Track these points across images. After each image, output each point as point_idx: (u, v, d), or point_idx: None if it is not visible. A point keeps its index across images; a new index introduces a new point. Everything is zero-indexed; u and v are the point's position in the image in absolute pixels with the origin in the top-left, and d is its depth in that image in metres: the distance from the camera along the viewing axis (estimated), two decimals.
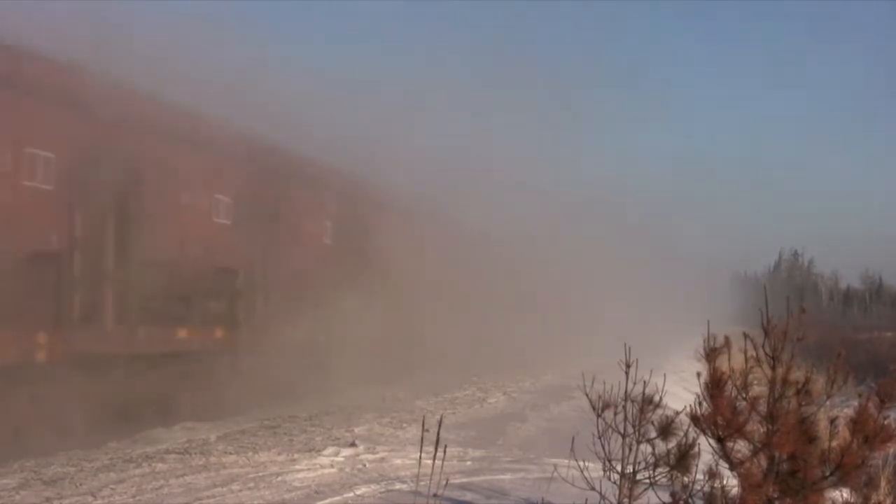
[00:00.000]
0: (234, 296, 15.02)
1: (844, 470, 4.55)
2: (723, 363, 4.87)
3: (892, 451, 5.57)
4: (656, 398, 5.19)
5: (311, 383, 15.19)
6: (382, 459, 9.71)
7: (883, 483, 5.81)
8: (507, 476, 8.77)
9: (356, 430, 12.27)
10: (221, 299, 14.59)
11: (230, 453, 10.14)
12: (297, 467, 9.18)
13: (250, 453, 10.11)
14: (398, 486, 8.08)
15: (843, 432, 4.69)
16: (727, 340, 4.94)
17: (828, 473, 4.60)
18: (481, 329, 23.12)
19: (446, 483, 5.57)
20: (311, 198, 17.62)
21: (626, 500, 5.17)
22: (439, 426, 5.19)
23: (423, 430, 5.41)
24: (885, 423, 4.58)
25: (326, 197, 18.40)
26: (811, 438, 4.69)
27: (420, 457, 5.52)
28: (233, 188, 14.75)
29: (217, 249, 14.25)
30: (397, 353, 19.08)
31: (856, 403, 4.67)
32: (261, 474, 8.78)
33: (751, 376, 4.89)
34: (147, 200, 12.48)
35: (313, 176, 17.67)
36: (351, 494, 7.81)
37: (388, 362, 18.50)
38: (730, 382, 4.81)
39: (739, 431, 4.70)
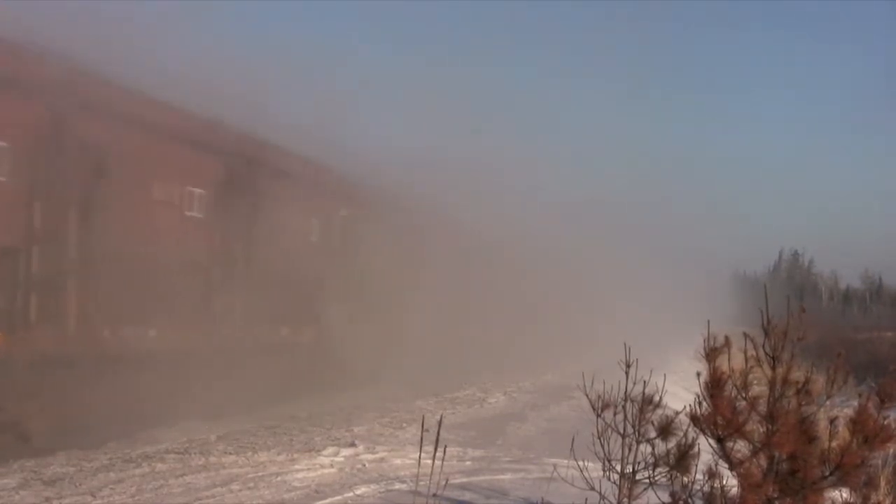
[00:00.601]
0: (24, 287, 10.78)
1: (844, 470, 4.55)
2: (723, 363, 4.86)
3: (891, 451, 5.57)
4: (656, 398, 5.19)
5: (153, 407, 11.62)
6: (382, 459, 9.72)
7: (882, 483, 5.81)
8: (507, 476, 8.77)
9: (356, 430, 12.28)
10: None
11: (230, 453, 10.14)
12: (297, 467, 9.18)
13: (250, 453, 10.11)
14: (398, 485, 8.08)
15: (843, 432, 4.68)
16: (727, 340, 4.93)
17: (827, 473, 4.59)
18: (482, 329, 23.09)
19: (446, 483, 5.57)
20: (165, 153, 12.80)
21: (625, 499, 5.17)
22: (439, 426, 5.19)
23: (423, 430, 5.41)
24: (885, 423, 4.57)
25: (201, 155, 13.61)
26: (811, 438, 4.69)
27: (420, 457, 5.52)
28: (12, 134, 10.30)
29: None
30: (301, 363, 16.02)
31: (856, 403, 4.67)
32: (260, 474, 8.78)
33: (751, 376, 4.88)
34: None
35: (173, 125, 12.84)
36: (351, 494, 7.81)
37: (288, 375, 15.30)
38: (730, 382, 4.80)
39: (739, 431, 4.69)
